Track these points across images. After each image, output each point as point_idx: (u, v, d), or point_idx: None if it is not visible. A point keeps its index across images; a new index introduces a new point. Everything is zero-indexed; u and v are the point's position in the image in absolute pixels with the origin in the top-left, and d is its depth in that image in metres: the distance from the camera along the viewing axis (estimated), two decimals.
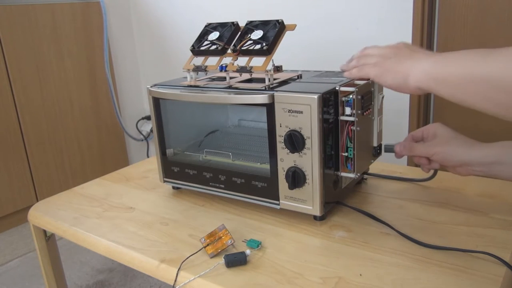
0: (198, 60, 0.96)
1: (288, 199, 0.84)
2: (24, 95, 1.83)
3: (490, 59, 0.55)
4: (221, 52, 0.93)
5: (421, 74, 0.64)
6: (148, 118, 2.35)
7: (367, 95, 0.84)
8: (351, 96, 0.79)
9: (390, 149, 0.91)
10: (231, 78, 0.95)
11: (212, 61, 0.93)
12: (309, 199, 0.82)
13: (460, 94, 0.58)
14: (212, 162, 0.98)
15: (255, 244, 0.76)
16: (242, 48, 0.89)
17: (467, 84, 0.57)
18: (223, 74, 0.95)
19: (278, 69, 0.92)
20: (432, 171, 0.92)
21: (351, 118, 0.80)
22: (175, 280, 0.71)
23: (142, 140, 2.37)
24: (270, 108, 0.81)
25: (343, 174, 0.84)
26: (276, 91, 0.81)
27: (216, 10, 1.88)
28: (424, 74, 0.63)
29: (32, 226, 1.01)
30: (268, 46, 0.86)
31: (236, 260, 0.72)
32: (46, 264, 1.05)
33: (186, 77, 0.99)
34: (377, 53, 0.74)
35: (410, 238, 0.76)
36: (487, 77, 0.54)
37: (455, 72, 0.58)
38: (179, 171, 1.00)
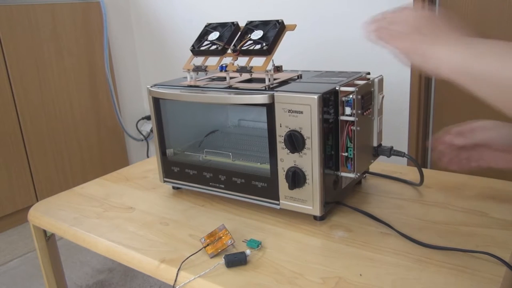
0: (198, 60, 0.96)
1: (288, 199, 0.84)
2: (24, 95, 1.83)
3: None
4: (221, 52, 0.93)
5: (454, 66, 0.56)
6: (148, 118, 2.35)
7: (367, 95, 0.84)
8: (351, 96, 0.79)
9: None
10: (231, 78, 0.95)
11: (212, 61, 0.93)
12: (309, 199, 0.82)
13: (502, 102, 0.51)
14: (212, 162, 0.98)
15: (255, 244, 0.76)
16: (242, 48, 0.89)
17: (500, 87, 0.50)
18: (223, 74, 0.95)
19: (278, 69, 0.92)
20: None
21: (351, 118, 0.80)
22: (175, 280, 0.71)
23: (142, 140, 2.36)
24: (270, 108, 0.81)
25: (343, 174, 0.84)
26: (276, 91, 0.81)
27: (216, 10, 1.88)
28: (457, 67, 0.55)
29: (32, 226, 1.01)
30: (268, 46, 0.86)
31: (236, 260, 0.72)
32: (46, 264, 1.05)
33: (186, 77, 0.99)
34: (411, 22, 0.63)
35: (410, 238, 0.76)
36: None
37: (498, 73, 0.51)
38: (179, 171, 1.00)
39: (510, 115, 0.50)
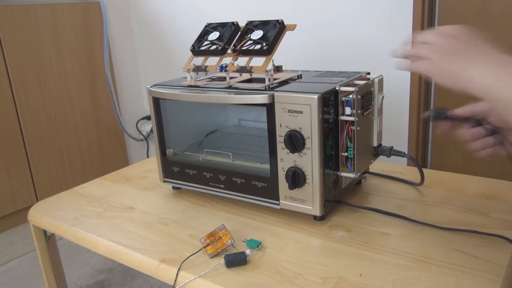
0: (198, 60, 0.96)
1: (288, 199, 0.84)
2: (24, 95, 1.83)
3: None
4: (221, 52, 0.93)
5: (485, 88, 0.53)
6: (148, 118, 2.35)
7: (367, 95, 0.84)
8: (351, 96, 0.79)
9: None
10: (231, 78, 0.95)
11: (212, 61, 0.93)
12: (309, 199, 0.82)
13: None
14: (212, 162, 0.98)
15: (255, 244, 0.76)
16: (242, 48, 0.89)
17: None
18: (223, 74, 0.95)
19: (278, 69, 0.92)
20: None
21: (351, 118, 0.80)
22: (175, 280, 0.71)
23: (142, 140, 2.36)
24: (270, 108, 0.81)
25: (343, 174, 0.84)
26: (276, 91, 0.81)
27: (216, 10, 1.88)
28: (489, 89, 0.53)
29: (32, 226, 1.01)
30: (268, 46, 0.86)
31: (236, 260, 0.72)
32: (46, 264, 1.05)
33: (186, 77, 0.99)
34: (433, 43, 0.61)
35: (421, 222, 0.76)
36: None
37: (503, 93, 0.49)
38: (179, 171, 1.00)
39: None
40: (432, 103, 1.47)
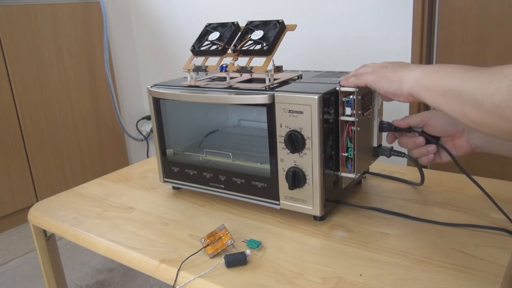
0: (198, 60, 0.96)
1: (288, 199, 0.84)
2: (24, 95, 1.83)
3: (468, 76, 0.58)
4: (221, 52, 0.93)
5: (413, 82, 0.68)
6: (148, 118, 2.35)
7: (367, 95, 0.84)
8: (351, 97, 0.79)
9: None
10: (231, 78, 0.95)
11: (212, 61, 0.93)
12: (309, 199, 0.82)
13: (444, 106, 0.63)
14: (212, 162, 0.98)
15: (255, 244, 0.76)
16: (243, 48, 0.89)
17: (448, 97, 0.61)
18: (223, 74, 0.95)
19: (278, 69, 0.92)
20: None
21: (351, 118, 0.80)
22: (175, 280, 0.71)
23: (142, 140, 2.36)
24: (270, 108, 0.81)
25: (343, 174, 0.84)
26: (277, 91, 0.81)
27: (216, 10, 1.88)
28: (415, 81, 0.68)
29: (32, 226, 1.01)
30: (269, 46, 0.86)
31: (236, 260, 0.72)
32: (46, 264, 1.05)
33: (186, 77, 0.99)
34: (374, 64, 0.80)
35: (426, 220, 0.76)
36: (462, 93, 0.58)
37: (441, 84, 0.63)
38: (179, 171, 1.00)
39: (456, 118, 0.61)
40: None
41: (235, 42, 0.92)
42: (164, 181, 1.03)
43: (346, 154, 0.82)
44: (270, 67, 0.87)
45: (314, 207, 0.82)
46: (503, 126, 0.54)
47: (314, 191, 0.80)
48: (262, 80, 0.89)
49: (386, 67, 0.76)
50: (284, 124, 0.80)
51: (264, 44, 0.86)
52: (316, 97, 0.75)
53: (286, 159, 0.82)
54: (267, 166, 0.86)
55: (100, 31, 2.07)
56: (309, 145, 0.78)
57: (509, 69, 0.54)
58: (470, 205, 0.87)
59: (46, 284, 1.07)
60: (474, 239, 0.75)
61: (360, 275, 0.67)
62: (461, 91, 0.59)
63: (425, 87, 0.66)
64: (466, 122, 0.60)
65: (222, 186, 0.94)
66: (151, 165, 1.24)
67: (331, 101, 0.79)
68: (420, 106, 1.45)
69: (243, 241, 0.79)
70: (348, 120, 0.80)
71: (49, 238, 1.03)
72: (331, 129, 0.80)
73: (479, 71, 0.58)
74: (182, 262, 0.73)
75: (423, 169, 0.95)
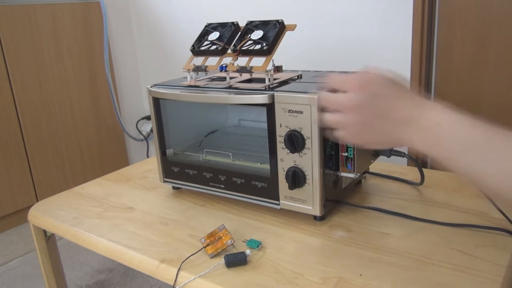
0: (198, 60, 0.96)
1: (288, 199, 0.84)
2: (24, 95, 1.83)
3: (489, 167, 0.45)
4: (221, 52, 0.93)
5: (421, 148, 0.53)
6: (148, 118, 2.35)
7: None
8: None
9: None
10: (231, 78, 0.95)
11: (212, 61, 0.93)
12: (309, 199, 0.82)
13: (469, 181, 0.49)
14: (212, 162, 0.98)
15: (255, 244, 0.76)
16: (242, 48, 0.89)
17: (463, 178, 0.48)
18: (223, 74, 0.95)
19: (278, 69, 0.92)
20: None
21: None
22: (175, 280, 0.71)
23: (142, 140, 2.36)
24: (270, 108, 0.81)
25: (343, 174, 0.84)
26: (276, 91, 0.81)
27: (216, 10, 1.88)
28: (423, 149, 0.52)
29: (32, 226, 1.01)
30: (268, 46, 0.86)
31: (236, 260, 0.72)
32: (46, 264, 1.04)
33: (186, 77, 0.99)
34: (343, 109, 0.58)
35: (426, 220, 0.76)
36: (483, 185, 0.46)
37: (451, 164, 0.49)
38: (179, 171, 0.99)
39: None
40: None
41: (235, 42, 0.92)
42: (164, 181, 1.03)
43: (346, 154, 0.82)
44: (270, 67, 0.87)
45: (314, 207, 0.82)
46: None
47: (314, 191, 0.80)
48: (262, 80, 0.89)
49: (365, 127, 0.56)
50: (284, 124, 0.80)
51: (264, 44, 0.86)
52: (316, 97, 0.75)
53: (286, 159, 0.82)
54: (267, 166, 0.86)
55: (100, 31, 2.07)
56: (309, 145, 0.78)
57: None
58: (470, 205, 0.87)
59: (46, 284, 1.06)
60: (474, 239, 0.75)
61: (360, 275, 0.67)
62: (482, 184, 0.46)
63: (434, 160, 0.51)
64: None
65: (222, 186, 0.93)
66: (151, 165, 1.24)
67: None
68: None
69: (243, 241, 0.79)
70: None
71: (49, 238, 1.03)
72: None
73: (506, 150, 0.44)
74: (182, 262, 0.73)
75: (423, 169, 0.95)
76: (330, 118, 0.61)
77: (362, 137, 0.57)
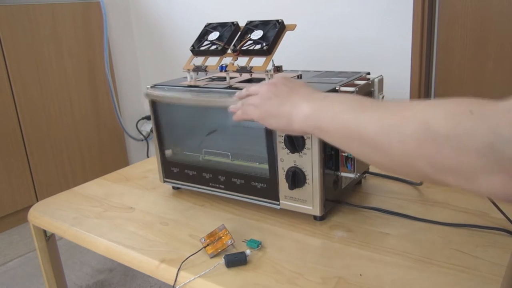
0: (198, 60, 0.96)
1: (288, 199, 0.84)
2: (24, 95, 1.83)
3: (364, 116, 0.50)
4: (221, 52, 0.93)
5: (303, 121, 0.60)
6: (148, 118, 2.35)
7: (367, 95, 0.84)
8: None
9: None
10: (231, 78, 0.95)
11: (212, 61, 0.93)
12: (309, 199, 0.82)
13: (345, 149, 0.55)
14: (212, 163, 0.98)
15: (255, 244, 0.76)
16: (242, 48, 0.89)
17: (348, 140, 0.53)
18: (223, 74, 0.95)
19: (278, 69, 0.92)
20: None
21: None
22: (175, 280, 0.71)
23: (142, 140, 2.36)
24: None
25: (343, 174, 0.84)
26: None
27: (216, 10, 1.88)
28: (305, 121, 0.59)
29: (32, 226, 1.01)
30: (268, 46, 0.86)
31: (236, 260, 0.72)
32: (46, 264, 1.04)
33: (186, 77, 0.99)
34: (258, 93, 0.69)
35: (426, 220, 0.76)
36: (364, 138, 0.50)
37: (335, 126, 0.54)
38: (179, 171, 0.99)
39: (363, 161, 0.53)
40: None
41: (235, 42, 0.92)
42: (164, 181, 1.03)
43: (346, 154, 0.82)
44: (269, 67, 0.87)
45: (314, 207, 0.82)
46: (415, 175, 0.46)
47: (314, 191, 0.80)
48: (262, 80, 0.89)
49: (270, 98, 0.66)
50: None
51: (264, 44, 0.86)
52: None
53: (286, 159, 0.82)
54: (266, 166, 0.86)
55: (100, 31, 2.07)
56: (309, 145, 0.78)
57: (411, 107, 0.46)
58: (470, 205, 0.87)
59: (46, 284, 1.06)
60: (474, 239, 0.75)
61: (360, 275, 0.67)
62: (361, 134, 0.50)
63: (317, 127, 0.57)
64: (372, 164, 0.52)
65: (222, 186, 0.93)
66: (151, 165, 1.24)
67: None
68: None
69: (243, 241, 0.78)
70: None
71: (49, 238, 1.03)
72: None
73: (380, 106, 0.50)
74: (182, 262, 0.73)
75: None
76: (243, 100, 0.72)
77: (264, 108, 0.67)
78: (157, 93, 0.95)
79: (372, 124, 0.49)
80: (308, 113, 0.59)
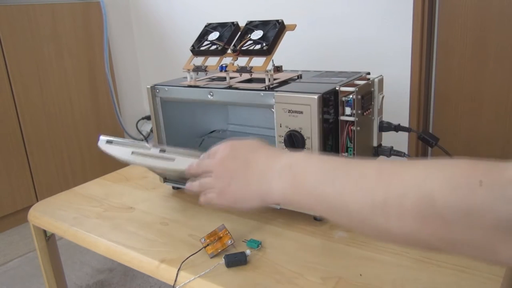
0: (198, 60, 0.96)
1: None
2: (24, 95, 1.83)
3: (348, 188, 0.44)
4: (221, 52, 0.93)
5: (281, 199, 0.54)
6: (148, 118, 2.34)
7: (367, 95, 0.84)
8: (351, 96, 0.79)
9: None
10: (231, 78, 0.95)
11: (212, 61, 0.93)
12: None
13: (333, 220, 0.49)
14: None
15: (255, 244, 0.76)
16: (242, 48, 0.89)
17: (332, 215, 0.47)
18: (223, 74, 0.95)
19: (278, 69, 0.92)
20: None
21: (351, 118, 0.80)
22: (175, 280, 0.71)
23: (142, 140, 2.36)
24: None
25: None
26: (276, 91, 0.81)
27: (216, 10, 1.88)
28: (283, 199, 0.53)
29: (32, 226, 1.01)
30: (268, 46, 0.86)
31: (236, 260, 0.72)
32: (46, 264, 1.04)
33: (186, 77, 0.99)
34: (211, 172, 0.61)
35: None
36: (351, 213, 0.44)
37: (313, 201, 0.48)
38: None
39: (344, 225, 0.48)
40: (432, 103, 1.47)
41: (235, 42, 0.92)
42: (164, 181, 1.03)
43: (346, 154, 0.82)
44: (269, 67, 0.87)
45: None
46: (422, 247, 0.41)
47: None
48: (262, 80, 0.89)
49: (228, 182, 0.58)
50: (284, 124, 0.80)
51: (264, 44, 0.86)
52: (315, 97, 0.75)
53: None
54: None
55: (100, 31, 2.07)
56: (309, 145, 0.78)
57: (400, 174, 0.40)
58: None
59: (46, 284, 1.06)
60: None
61: (360, 275, 0.67)
62: (350, 212, 0.44)
63: (299, 205, 0.51)
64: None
65: None
66: None
67: (331, 101, 0.79)
68: (420, 105, 1.45)
69: (243, 241, 0.78)
70: (348, 120, 0.80)
71: (49, 238, 1.03)
72: (331, 129, 0.80)
73: (343, 175, 0.45)
74: (182, 262, 0.73)
75: None
76: (200, 182, 0.63)
77: (229, 194, 0.59)
78: (160, 90, 0.94)
79: (360, 199, 0.42)
80: (283, 191, 0.52)
